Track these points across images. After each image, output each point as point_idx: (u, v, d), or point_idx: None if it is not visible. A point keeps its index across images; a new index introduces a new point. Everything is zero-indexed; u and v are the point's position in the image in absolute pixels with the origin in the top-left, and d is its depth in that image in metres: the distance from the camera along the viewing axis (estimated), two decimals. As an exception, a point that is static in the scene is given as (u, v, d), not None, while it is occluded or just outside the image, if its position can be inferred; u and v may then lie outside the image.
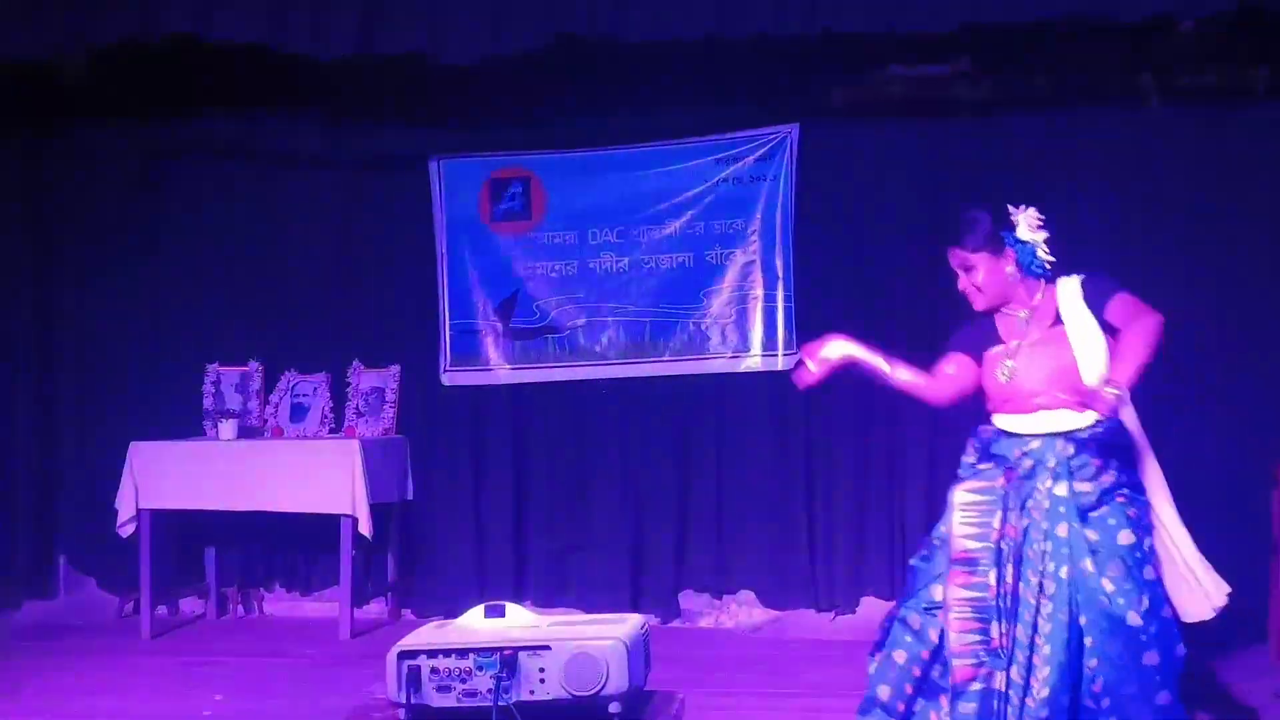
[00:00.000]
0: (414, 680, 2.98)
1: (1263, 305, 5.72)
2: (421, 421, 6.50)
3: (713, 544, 6.24)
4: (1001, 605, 3.37)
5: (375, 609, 6.43)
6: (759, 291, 6.16)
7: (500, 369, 6.47)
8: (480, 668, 2.96)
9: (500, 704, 2.94)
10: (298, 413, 6.39)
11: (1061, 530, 3.41)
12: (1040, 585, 3.38)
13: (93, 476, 6.65)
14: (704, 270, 6.23)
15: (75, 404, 6.77)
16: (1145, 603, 3.39)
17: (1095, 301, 3.55)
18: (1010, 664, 3.37)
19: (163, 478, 6.05)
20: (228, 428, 6.22)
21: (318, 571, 6.54)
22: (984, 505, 3.45)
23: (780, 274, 6.12)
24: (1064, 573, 3.38)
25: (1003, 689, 3.37)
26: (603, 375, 6.35)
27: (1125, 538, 3.42)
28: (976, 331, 3.73)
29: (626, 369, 6.33)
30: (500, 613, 3.18)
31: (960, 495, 3.50)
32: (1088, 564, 3.37)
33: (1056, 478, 3.44)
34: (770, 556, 6.15)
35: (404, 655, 3.01)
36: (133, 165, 6.67)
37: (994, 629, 3.37)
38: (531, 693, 2.97)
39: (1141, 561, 3.43)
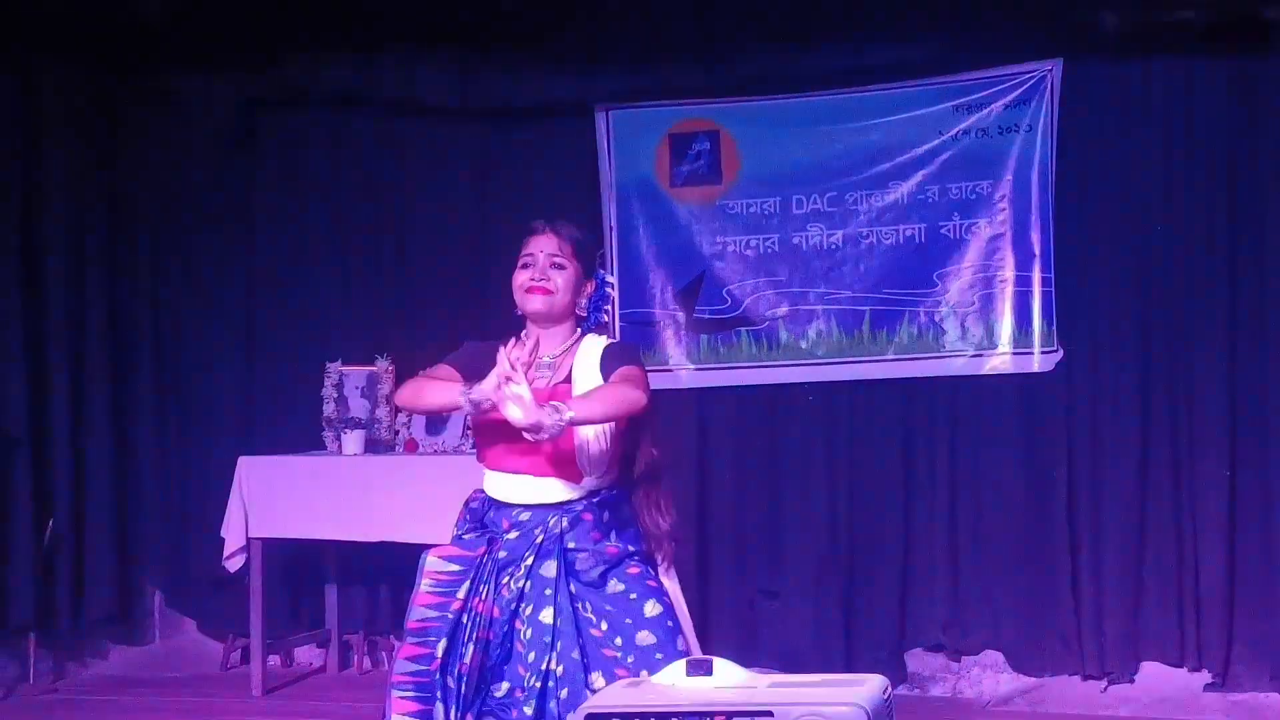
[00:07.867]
0: (609, 749, 2.82)
1: None
2: (584, 433, 6.53)
3: (948, 592, 6.12)
4: (448, 684, 3.55)
5: (529, 663, 6.49)
6: (1009, 273, 6.03)
7: (682, 369, 6.44)
8: (687, 734, 2.76)
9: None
10: (435, 423, 6.38)
11: (546, 616, 3.58)
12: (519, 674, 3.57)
13: (183, 497, 6.82)
14: (939, 246, 6.12)
15: (155, 408, 6.89)
16: None
17: (607, 366, 3.68)
18: None
19: (277, 501, 6.07)
20: (353, 440, 6.24)
21: (459, 617, 6.62)
22: (453, 575, 3.65)
23: (1037, 250, 5.98)
24: (549, 663, 3.56)
25: None
26: (809, 377, 6.31)
27: (652, 608, 3.61)
28: (481, 356, 3.69)
29: (839, 370, 6.28)
30: (706, 669, 3.07)
31: (430, 562, 3.68)
32: (576, 654, 3.56)
33: (545, 555, 3.60)
34: (1022, 609, 6.01)
35: (594, 719, 2.96)
36: (225, 120, 6.76)
37: (437, 710, 3.52)
38: (751, 767, 2.75)
39: (675, 631, 3.61)
